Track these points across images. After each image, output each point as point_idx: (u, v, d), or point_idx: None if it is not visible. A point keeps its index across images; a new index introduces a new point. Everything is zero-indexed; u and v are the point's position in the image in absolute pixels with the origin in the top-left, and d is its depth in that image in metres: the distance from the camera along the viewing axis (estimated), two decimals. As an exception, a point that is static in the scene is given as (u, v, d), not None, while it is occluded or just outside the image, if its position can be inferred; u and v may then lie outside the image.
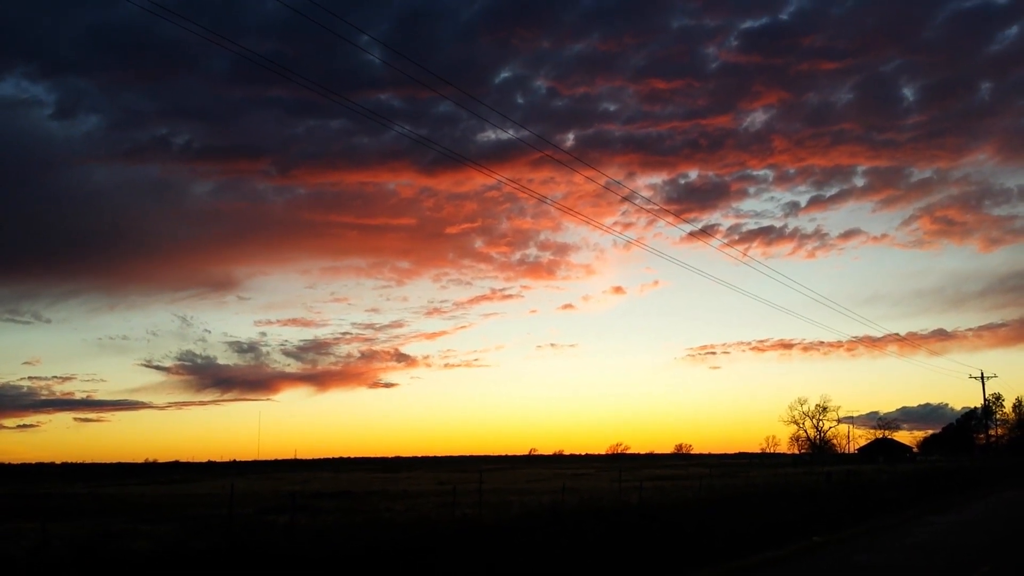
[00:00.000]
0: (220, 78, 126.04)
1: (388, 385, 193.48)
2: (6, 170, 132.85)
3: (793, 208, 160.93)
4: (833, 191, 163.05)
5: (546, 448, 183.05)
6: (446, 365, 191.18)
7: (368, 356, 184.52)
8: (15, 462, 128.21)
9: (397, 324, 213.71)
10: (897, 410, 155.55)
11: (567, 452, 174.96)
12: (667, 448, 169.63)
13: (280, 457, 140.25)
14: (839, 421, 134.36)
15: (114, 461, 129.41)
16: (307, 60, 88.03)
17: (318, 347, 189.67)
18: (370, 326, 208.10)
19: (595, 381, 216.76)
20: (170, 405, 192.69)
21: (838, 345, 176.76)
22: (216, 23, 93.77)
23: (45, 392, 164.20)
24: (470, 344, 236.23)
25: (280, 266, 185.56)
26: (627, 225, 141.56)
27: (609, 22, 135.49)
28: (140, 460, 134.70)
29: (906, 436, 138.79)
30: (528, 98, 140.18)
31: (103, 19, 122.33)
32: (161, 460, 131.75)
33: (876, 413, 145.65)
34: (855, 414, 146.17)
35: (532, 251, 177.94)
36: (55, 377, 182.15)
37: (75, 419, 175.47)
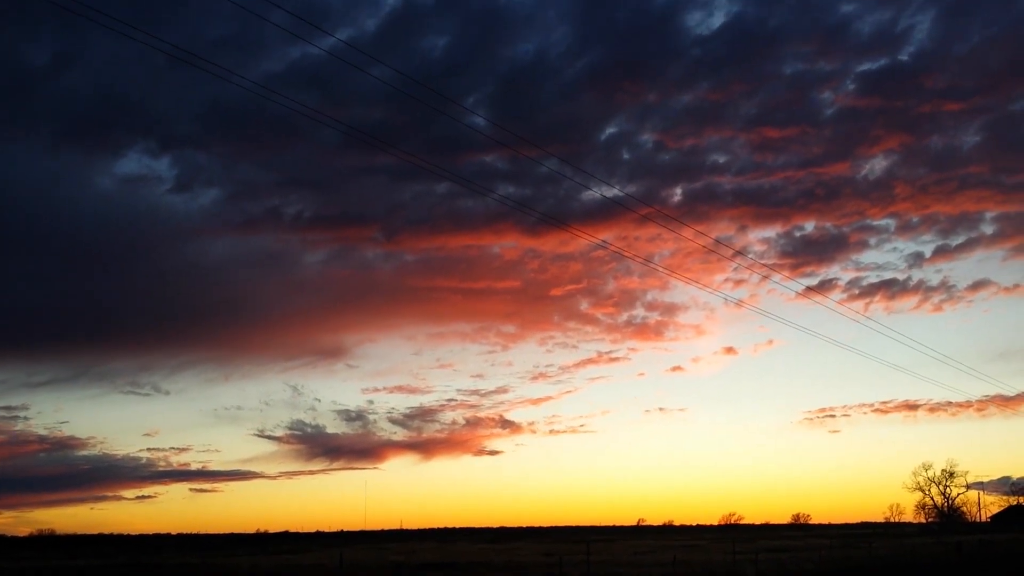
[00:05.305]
0: (330, 148, 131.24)
1: (492, 452, 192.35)
2: (128, 245, 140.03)
3: (917, 259, 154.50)
4: (960, 239, 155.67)
5: (655, 518, 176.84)
6: (551, 431, 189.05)
7: (473, 423, 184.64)
8: (133, 533, 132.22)
9: (502, 390, 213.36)
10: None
11: (677, 523, 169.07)
12: (783, 518, 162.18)
13: (386, 527, 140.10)
14: (968, 487, 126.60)
15: (226, 532, 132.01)
16: (413, 126, 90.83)
17: (424, 414, 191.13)
18: (475, 392, 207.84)
19: (706, 447, 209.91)
20: (281, 475, 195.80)
21: (967, 405, 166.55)
22: (326, 94, 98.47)
23: (163, 463, 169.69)
24: (576, 409, 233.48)
25: (387, 332, 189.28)
26: (738, 282, 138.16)
27: (717, 71, 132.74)
28: (251, 530, 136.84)
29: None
30: (634, 153, 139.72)
31: (220, 95, 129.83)
32: (271, 530, 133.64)
33: (1008, 478, 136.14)
34: (985, 479, 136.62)
35: (639, 312, 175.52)
36: (172, 448, 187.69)
37: (190, 490, 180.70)
